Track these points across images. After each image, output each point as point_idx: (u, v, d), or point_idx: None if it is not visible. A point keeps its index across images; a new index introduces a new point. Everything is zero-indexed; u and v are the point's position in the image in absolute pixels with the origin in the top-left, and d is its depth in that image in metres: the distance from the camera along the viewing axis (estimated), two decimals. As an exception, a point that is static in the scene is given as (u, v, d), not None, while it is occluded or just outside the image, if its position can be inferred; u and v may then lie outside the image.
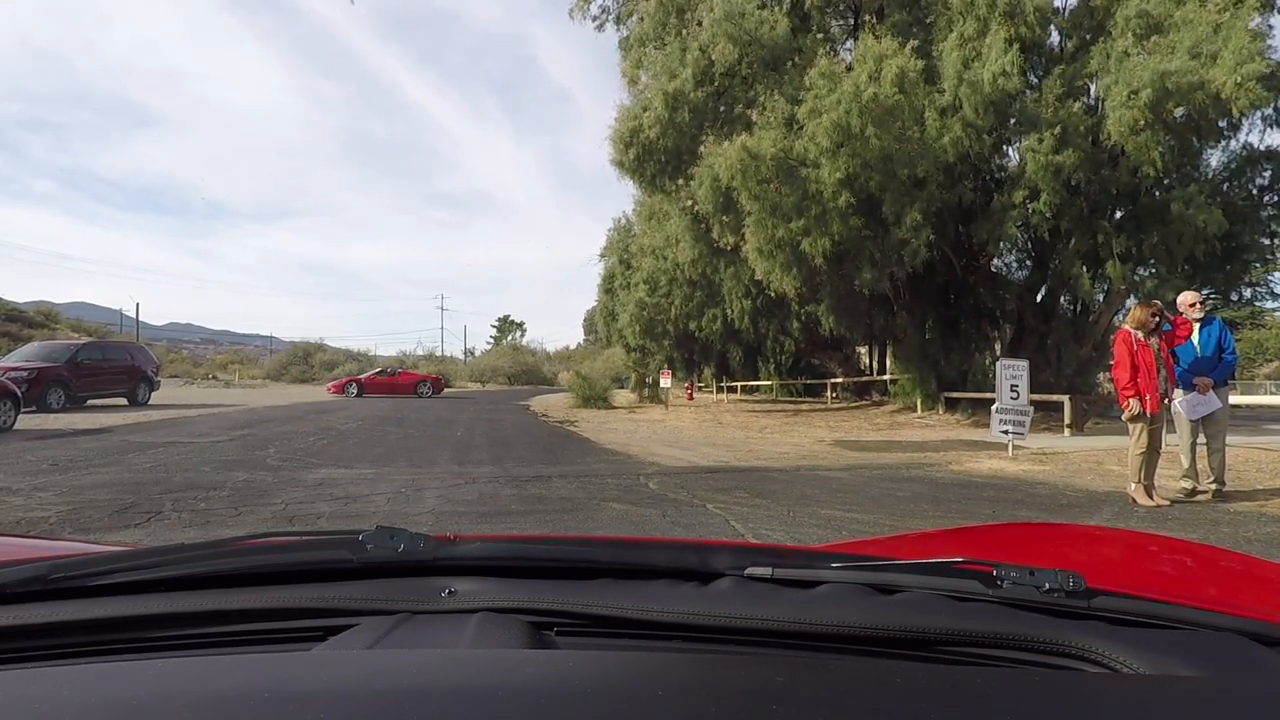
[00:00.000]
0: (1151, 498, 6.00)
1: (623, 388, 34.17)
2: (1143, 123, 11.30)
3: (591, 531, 4.76)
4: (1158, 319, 6.04)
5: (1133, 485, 6.14)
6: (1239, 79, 10.53)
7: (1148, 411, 5.87)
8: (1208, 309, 6.47)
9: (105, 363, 17.88)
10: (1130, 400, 5.89)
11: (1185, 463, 6.34)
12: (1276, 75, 12.72)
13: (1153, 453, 6.02)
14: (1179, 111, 11.30)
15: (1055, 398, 13.21)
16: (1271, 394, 28.97)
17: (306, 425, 13.34)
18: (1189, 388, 6.21)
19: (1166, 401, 6.11)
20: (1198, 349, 6.18)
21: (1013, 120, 13.31)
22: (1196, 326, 6.23)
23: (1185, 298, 6.39)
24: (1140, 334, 6.00)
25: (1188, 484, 6.33)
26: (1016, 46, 12.60)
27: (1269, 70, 11.00)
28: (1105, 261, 13.31)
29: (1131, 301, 14.82)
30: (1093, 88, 12.94)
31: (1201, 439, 6.27)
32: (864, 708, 0.49)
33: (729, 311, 21.27)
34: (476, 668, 0.58)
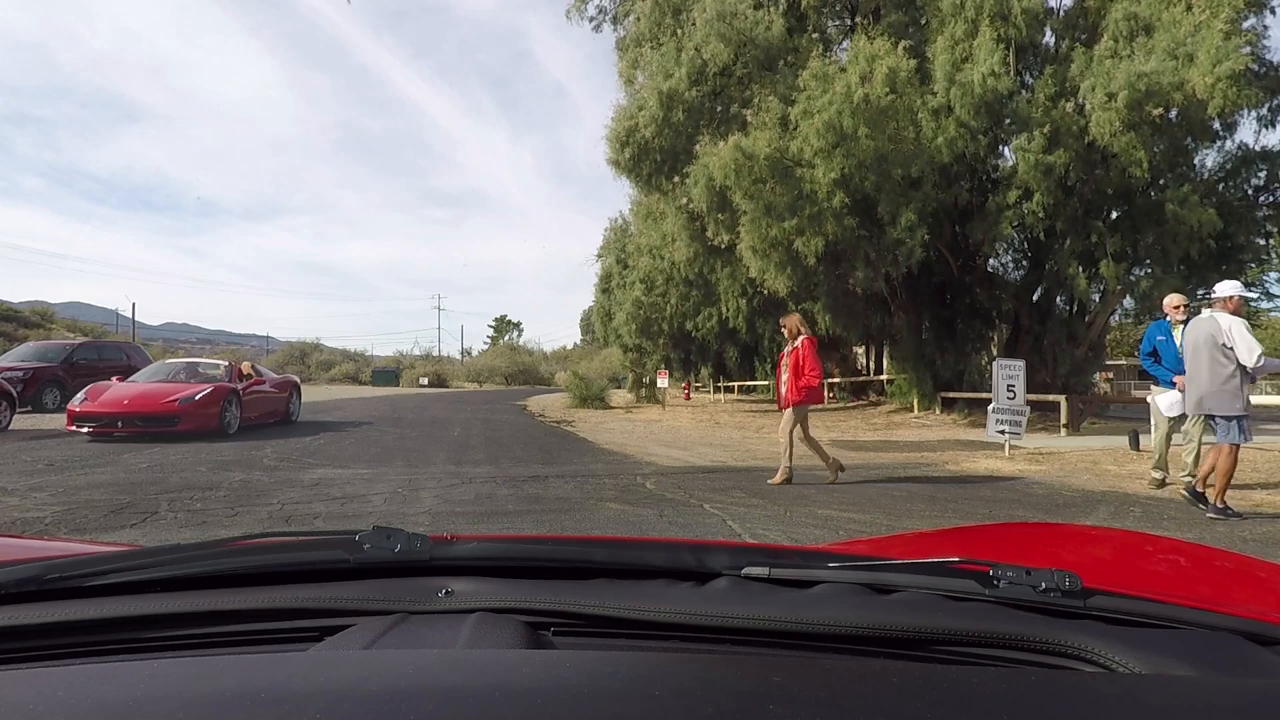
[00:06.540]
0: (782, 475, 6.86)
1: (620, 388, 34.17)
2: (1121, 124, 11.33)
3: (588, 531, 4.76)
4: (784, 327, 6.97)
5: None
6: (1213, 79, 10.55)
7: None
8: (1190, 312, 6.71)
9: (101, 363, 17.78)
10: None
11: (1157, 455, 6.75)
12: (1270, 76, 12.77)
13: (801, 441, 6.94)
14: (1159, 112, 11.30)
15: (1051, 398, 13.26)
16: (1267, 394, 29.00)
17: (302, 425, 13.31)
18: (1169, 385, 6.45)
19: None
20: (1180, 348, 6.28)
21: (1007, 120, 13.33)
22: (1181, 327, 6.42)
23: (1170, 300, 6.72)
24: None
25: (1159, 474, 6.72)
26: (1004, 48, 12.63)
27: (1249, 69, 11.00)
28: (1100, 261, 13.34)
29: (1129, 301, 14.91)
30: (1081, 88, 13.04)
31: (1177, 438, 6.57)
32: (861, 707, 0.49)
33: (725, 311, 21.28)
34: (473, 668, 0.57)
